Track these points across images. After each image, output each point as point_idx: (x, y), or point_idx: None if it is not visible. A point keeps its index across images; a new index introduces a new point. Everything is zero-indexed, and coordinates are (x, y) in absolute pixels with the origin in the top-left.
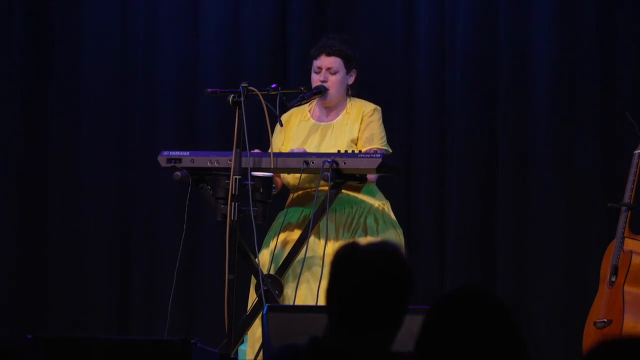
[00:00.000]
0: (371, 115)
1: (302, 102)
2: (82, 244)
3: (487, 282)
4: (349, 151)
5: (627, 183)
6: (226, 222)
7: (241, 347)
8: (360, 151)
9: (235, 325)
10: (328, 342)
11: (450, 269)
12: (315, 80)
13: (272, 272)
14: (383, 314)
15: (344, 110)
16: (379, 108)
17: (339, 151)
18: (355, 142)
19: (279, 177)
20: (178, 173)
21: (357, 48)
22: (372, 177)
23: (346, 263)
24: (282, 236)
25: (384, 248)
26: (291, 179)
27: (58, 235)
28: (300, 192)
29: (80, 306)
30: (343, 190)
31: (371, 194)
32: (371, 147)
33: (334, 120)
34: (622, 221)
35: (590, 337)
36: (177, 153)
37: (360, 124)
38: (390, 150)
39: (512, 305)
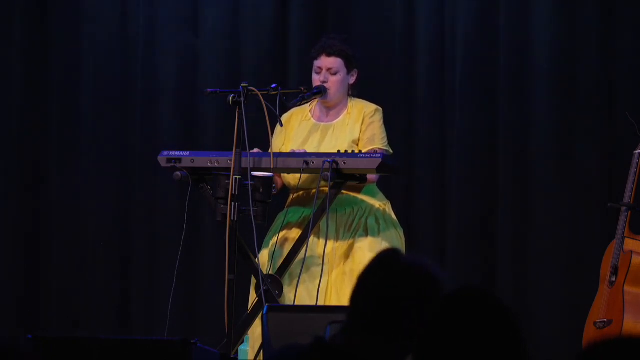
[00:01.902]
0: (372, 115)
1: (302, 102)
2: (82, 244)
3: (487, 282)
4: (350, 151)
5: (627, 183)
6: (226, 222)
7: (241, 347)
8: (360, 151)
9: (235, 325)
10: (340, 342)
11: (450, 269)
12: (316, 80)
13: (270, 272)
14: (403, 327)
15: (345, 111)
16: (380, 109)
17: (339, 151)
18: (356, 142)
19: (279, 177)
20: (178, 173)
21: (358, 48)
22: (373, 177)
23: (384, 269)
24: (282, 236)
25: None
26: (292, 179)
27: (58, 235)
28: (300, 192)
29: (80, 306)
30: (343, 191)
31: (372, 194)
32: (372, 147)
33: (335, 121)
34: (622, 221)
35: (590, 337)
36: (177, 153)
37: (362, 124)
38: (391, 151)
39: (512, 306)
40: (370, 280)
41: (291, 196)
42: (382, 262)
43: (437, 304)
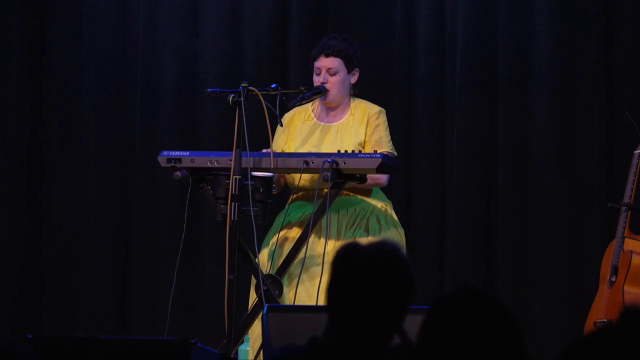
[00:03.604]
0: (377, 118)
1: (302, 102)
2: (82, 244)
3: (487, 282)
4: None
5: (627, 183)
6: (226, 222)
7: (241, 347)
8: (360, 151)
9: (235, 325)
10: (327, 341)
11: (450, 269)
12: (316, 81)
13: (270, 271)
14: (382, 316)
15: (348, 111)
16: (384, 110)
17: (338, 151)
18: (362, 145)
19: (283, 177)
20: (178, 173)
21: (359, 46)
22: (383, 179)
23: (346, 263)
24: (282, 235)
25: (385, 249)
26: (295, 179)
27: (58, 235)
28: (302, 191)
29: (80, 306)
30: (346, 192)
31: (373, 194)
32: (380, 151)
33: (339, 122)
34: (622, 221)
35: None
36: (177, 153)
37: (367, 127)
38: (396, 153)
39: (512, 305)
40: (335, 277)
41: (292, 195)
42: (342, 258)
43: (435, 303)
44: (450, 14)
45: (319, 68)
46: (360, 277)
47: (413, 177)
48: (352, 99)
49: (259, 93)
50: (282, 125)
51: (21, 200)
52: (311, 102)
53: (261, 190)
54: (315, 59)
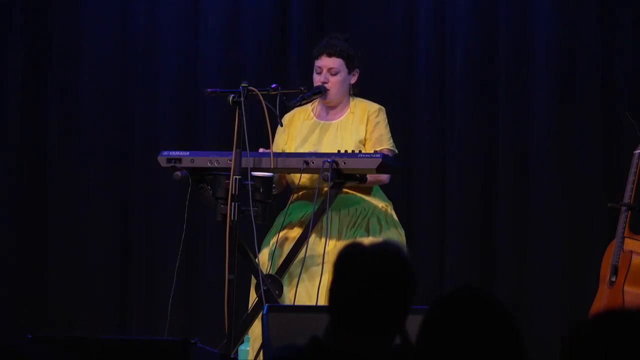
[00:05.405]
0: (377, 115)
1: (302, 103)
2: (82, 244)
3: (487, 282)
4: (356, 151)
5: (627, 183)
6: (226, 222)
7: (241, 347)
8: (360, 151)
9: (235, 325)
10: (328, 341)
11: (450, 269)
12: (317, 80)
13: (270, 271)
14: (384, 315)
15: (348, 110)
16: (383, 108)
17: (338, 151)
18: (363, 142)
19: (285, 178)
20: (178, 173)
21: (360, 47)
22: (384, 177)
23: (349, 263)
24: (282, 235)
25: (387, 248)
26: (296, 178)
27: (58, 235)
28: (303, 190)
29: (80, 306)
30: (347, 190)
31: (375, 194)
32: (381, 148)
33: (338, 119)
34: (622, 221)
35: None
36: (177, 153)
37: (367, 124)
38: (397, 151)
39: (512, 306)
40: (337, 277)
41: (293, 195)
42: (345, 258)
43: (435, 303)
44: (450, 14)
45: (320, 67)
46: (363, 277)
47: (413, 177)
48: (351, 98)
49: (259, 93)
50: (282, 126)
51: (21, 200)
52: (310, 102)
53: (261, 190)
54: (317, 58)
